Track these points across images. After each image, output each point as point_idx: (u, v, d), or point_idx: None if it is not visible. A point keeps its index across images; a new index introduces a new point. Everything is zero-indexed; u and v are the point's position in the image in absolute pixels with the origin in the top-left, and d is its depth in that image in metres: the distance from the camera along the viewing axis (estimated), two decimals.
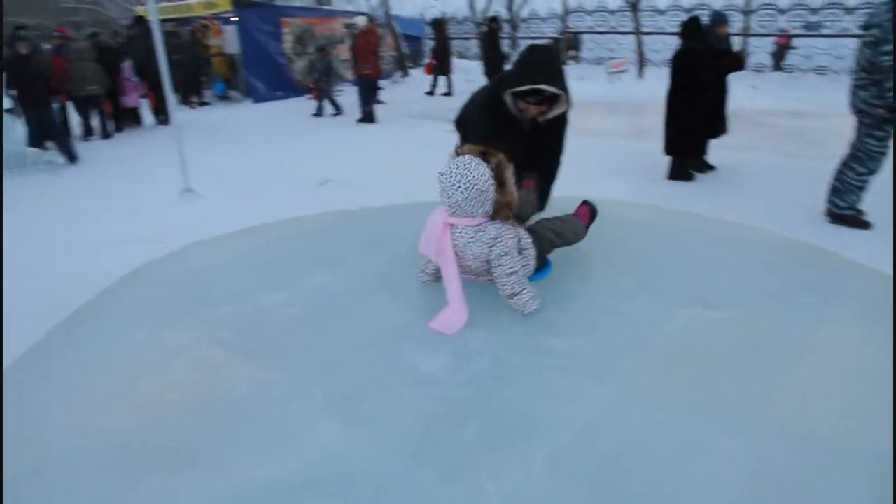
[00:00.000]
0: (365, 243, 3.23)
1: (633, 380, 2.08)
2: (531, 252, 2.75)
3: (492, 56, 13.01)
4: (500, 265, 2.56)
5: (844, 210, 4.92)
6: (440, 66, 14.01)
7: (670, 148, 6.57)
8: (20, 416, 1.97)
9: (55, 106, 8.35)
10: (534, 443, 1.76)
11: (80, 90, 9.19)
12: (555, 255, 3.07)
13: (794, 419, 1.87)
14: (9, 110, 7.75)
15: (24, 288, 3.99)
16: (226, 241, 3.35)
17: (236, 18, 12.97)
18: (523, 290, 2.59)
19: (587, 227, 3.23)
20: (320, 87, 11.36)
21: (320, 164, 7.29)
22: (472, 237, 2.56)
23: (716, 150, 6.83)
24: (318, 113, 11.36)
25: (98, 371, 2.19)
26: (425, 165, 6.20)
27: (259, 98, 13.04)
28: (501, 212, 2.61)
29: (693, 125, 6.27)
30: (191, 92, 13.27)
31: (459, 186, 2.47)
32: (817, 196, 5.18)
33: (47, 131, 7.56)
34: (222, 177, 6.72)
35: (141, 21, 11.03)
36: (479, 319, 2.51)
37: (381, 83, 11.87)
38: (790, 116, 9.96)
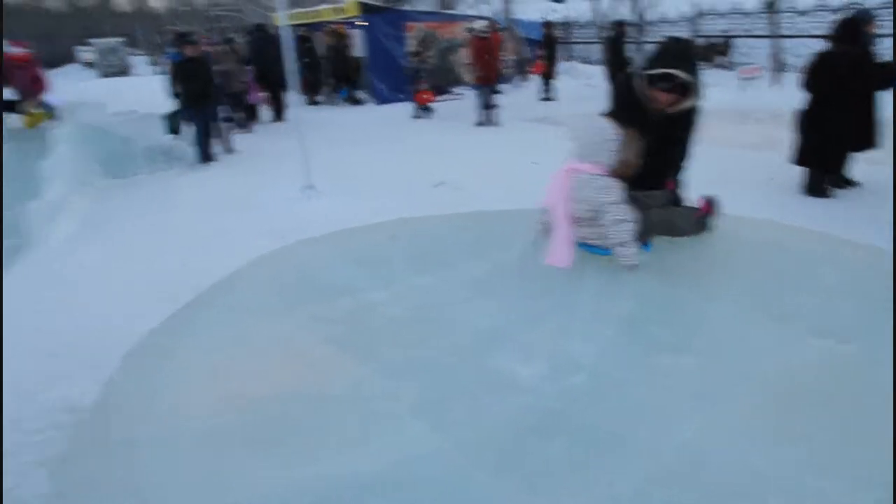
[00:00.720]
0: (471, 248, 3.23)
1: (744, 412, 1.92)
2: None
3: (615, 61, 12.65)
4: (610, 212, 2.80)
5: None
6: (545, 69, 13.84)
7: (802, 158, 6.05)
8: (139, 388, 2.14)
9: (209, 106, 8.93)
10: (622, 465, 1.67)
11: (231, 88, 10.02)
12: (674, 269, 2.92)
13: None
14: (174, 113, 8.35)
15: (155, 272, 4.31)
16: (339, 238, 3.46)
17: (364, 23, 13.45)
18: (631, 241, 2.84)
19: (702, 220, 3.34)
20: (415, 89, 11.68)
21: (435, 166, 7.37)
22: (586, 182, 2.83)
23: (861, 165, 6.23)
24: (421, 115, 11.62)
25: (211, 353, 2.33)
26: (542, 171, 6.10)
27: (382, 100, 13.46)
28: (619, 168, 2.92)
29: (833, 135, 5.73)
30: (316, 91, 13.95)
31: (589, 130, 2.91)
32: None
33: (207, 128, 8.08)
34: (341, 175, 6.96)
35: (260, 28, 11.85)
36: (581, 329, 2.43)
37: (501, 87, 11.89)
38: None
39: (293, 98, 7.18)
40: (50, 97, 7.30)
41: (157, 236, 5.16)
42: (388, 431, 1.85)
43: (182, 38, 8.34)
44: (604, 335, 2.42)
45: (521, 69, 16.44)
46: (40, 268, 4.71)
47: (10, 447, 2.53)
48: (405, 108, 12.28)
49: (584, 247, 2.99)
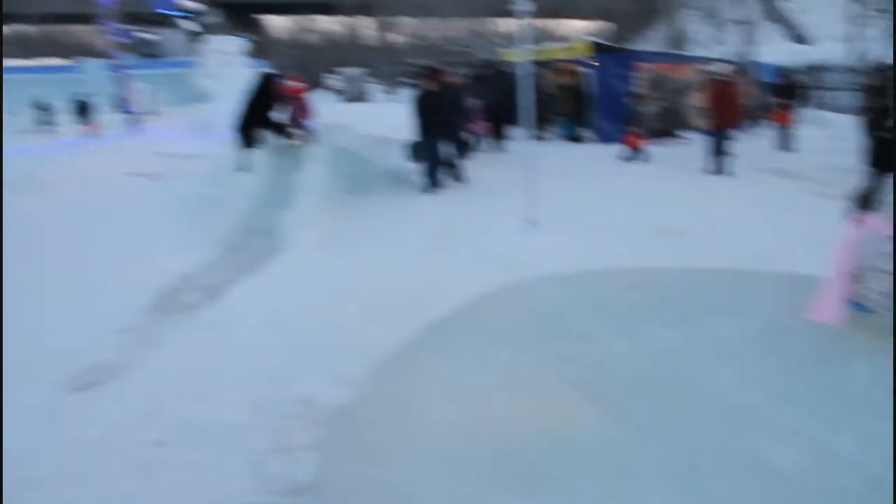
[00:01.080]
0: (717, 306, 3.02)
1: None
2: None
3: (875, 111, 11.28)
4: (883, 279, 2.56)
5: None
6: (780, 117, 12.67)
7: None
8: (387, 399, 2.28)
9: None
10: None
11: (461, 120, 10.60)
12: None
13: None
14: (417, 142, 8.88)
15: (389, 289, 4.61)
16: (574, 280, 3.45)
17: (594, 62, 13.49)
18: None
19: None
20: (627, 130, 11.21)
21: (659, 213, 7.07)
22: (873, 239, 2.61)
23: None
24: (630, 157, 11.18)
25: (456, 376, 2.42)
26: (781, 229, 5.62)
27: (606, 139, 13.32)
28: None
29: None
30: (542, 126, 14.19)
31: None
32: None
33: (440, 157, 8.51)
34: (562, 212, 6.94)
35: (489, 63, 12.43)
36: (848, 418, 2.14)
37: (737, 134, 11.17)
38: None
39: (518, 132, 7.38)
40: (311, 122, 8.25)
41: (391, 254, 5.54)
42: (639, 490, 1.77)
43: (423, 72, 8.92)
44: (878, 431, 2.10)
45: (758, 116, 15.32)
46: (289, 270, 5.30)
47: (256, 429, 2.85)
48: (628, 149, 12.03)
49: (855, 306, 2.67)
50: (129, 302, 4.47)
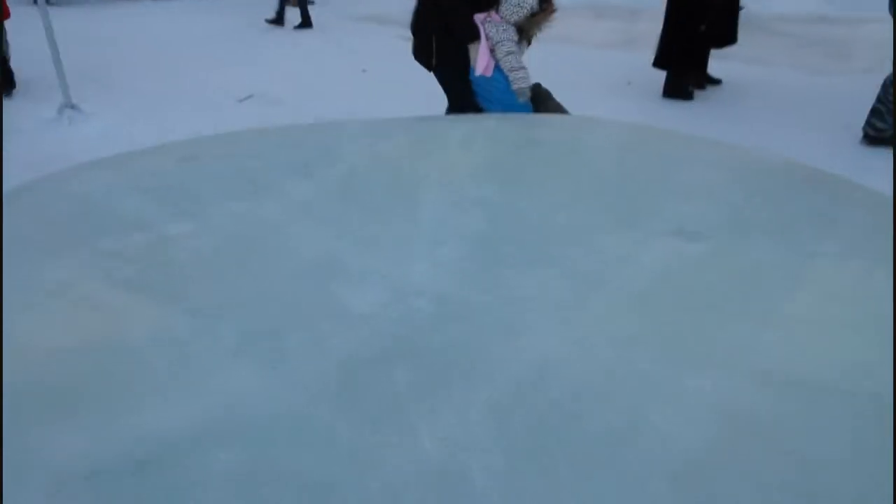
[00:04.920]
0: (290, 166, 3.28)
1: (599, 317, 2.22)
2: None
3: None
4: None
5: (884, 132, 5.21)
6: None
7: (662, 60, 6.69)
8: None
9: None
10: (476, 385, 1.88)
11: None
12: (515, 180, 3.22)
13: (773, 360, 2.01)
14: None
15: None
16: (119, 163, 3.35)
17: None
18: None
19: None
20: None
21: (243, 78, 7.23)
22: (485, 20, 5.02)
23: (721, 62, 6.97)
24: (277, 19, 10.79)
25: None
26: (374, 77, 6.31)
27: None
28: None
29: (694, 32, 6.33)
30: None
31: None
32: (839, 117, 5.38)
33: None
34: (115, 91, 6.61)
35: None
36: (422, 254, 2.62)
37: None
38: (815, 23, 10.11)
39: None
40: None
41: None
42: (209, 374, 1.92)
43: None
44: (449, 256, 2.62)
45: None
46: None
47: None
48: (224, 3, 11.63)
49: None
50: None
